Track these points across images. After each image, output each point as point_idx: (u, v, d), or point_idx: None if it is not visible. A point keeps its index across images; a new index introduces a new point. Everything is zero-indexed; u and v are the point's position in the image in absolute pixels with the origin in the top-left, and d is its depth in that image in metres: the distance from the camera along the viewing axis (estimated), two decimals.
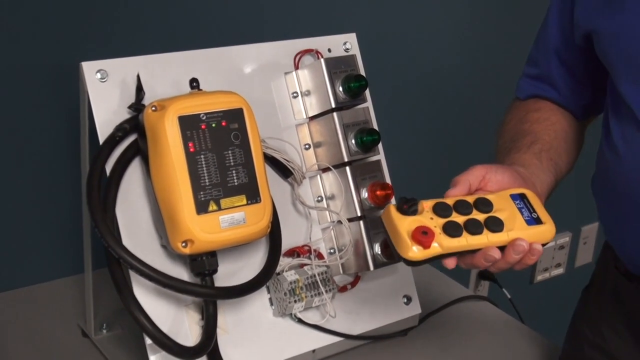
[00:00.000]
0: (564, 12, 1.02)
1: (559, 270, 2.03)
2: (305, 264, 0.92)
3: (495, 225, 0.78)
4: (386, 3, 1.46)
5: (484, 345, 1.08)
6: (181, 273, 0.84)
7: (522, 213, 0.82)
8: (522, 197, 0.85)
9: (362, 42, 1.02)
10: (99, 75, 0.84)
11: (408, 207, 0.76)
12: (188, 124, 0.80)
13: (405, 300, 1.03)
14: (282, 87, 0.97)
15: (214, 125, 0.82)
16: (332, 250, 0.96)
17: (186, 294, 0.82)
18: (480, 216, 0.78)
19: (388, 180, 0.97)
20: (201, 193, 0.80)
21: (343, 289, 0.96)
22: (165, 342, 0.79)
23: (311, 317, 0.94)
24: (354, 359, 0.99)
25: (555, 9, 1.05)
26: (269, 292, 0.92)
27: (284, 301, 0.90)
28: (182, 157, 0.80)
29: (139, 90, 0.85)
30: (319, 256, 0.95)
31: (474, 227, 0.76)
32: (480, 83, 1.66)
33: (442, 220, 0.76)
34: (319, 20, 1.36)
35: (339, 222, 0.95)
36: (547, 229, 0.82)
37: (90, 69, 0.84)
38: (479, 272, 1.73)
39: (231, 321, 0.89)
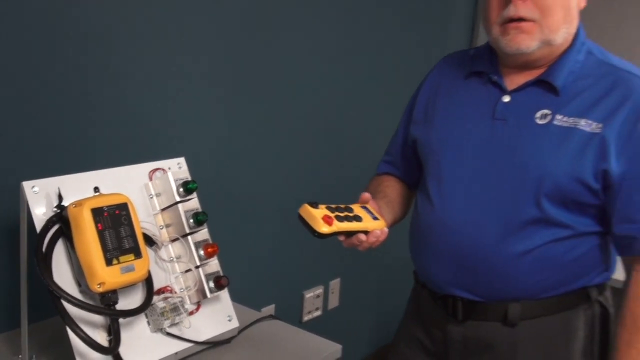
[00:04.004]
0: (407, 125, 1.34)
1: (318, 312, 2.21)
2: (168, 297, 1.20)
3: (358, 219, 1.08)
4: (202, 134, 1.69)
5: (283, 346, 1.30)
6: None
7: (369, 214, 1.11)
8: (366, 207, 1.14)
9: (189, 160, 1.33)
10: (34, 189, 1.08)
11: (316, 205, 1.05)
12: (97, 213, 1.07)
13: (229, 318, 1.30)
14: (144, 192, 1.24)
15: (111, 213, 1.09)
16: (182, 289, 1.26)
17: (105, 315, 1.08)
18: (349, 214, 1.07)
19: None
20: (108, 253, 1.06)
21: (191, 313, 1.24)
22: (92, 343, 1.04)
23: (174, 331, 1.19)
24: (200, 359, 1.23)
25: (403, 123, 1.36)
26: (146, 317, 1.17)
27: (158, 320, 1.16)
28: (95, 233, 1.06)
29: (59, 197, 1.11)
30: (173, 292, 1.24)
31: (348, 219, 1.06)
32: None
33: (333, 213, 1.05)
34: (162, 148, 1.58)
35: (186, 271, 1.25)
36: (382, 223, 1.12)
37: (28, 186, 1.08)
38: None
39: (124, 337, 1.11)
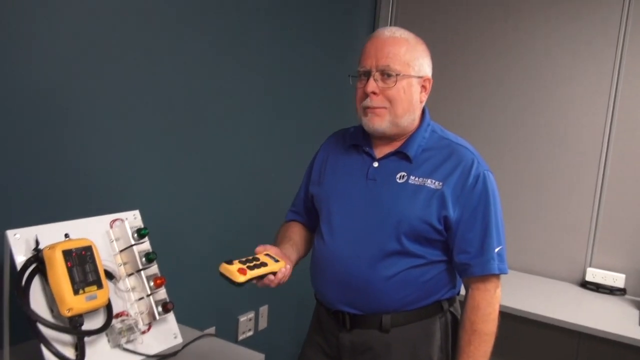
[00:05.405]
0: (307, 184, 1.43)
1: (251, 332, 2.24)
2: (125, 319, 1.29)
3: (264, 264, 1.15)
4: (154, 192, 1.73)
5: (219, 357, 1.36)
6: None
7: (271, 259, 1.18)
8: (268, 254, 1.19)
9: (144, 212, 1.43)
10: (16, 236, 1.17)
11: (230, 262, 1.12)
12: (66, 254, 1.17)
13: (174, 336, 1.39)
14: (106, 237, 1.33)
15: (78, 253, 1.19)
16: (136, 313, 1.34)
17: (73, 334, 1.16)
18: (256, 262, 1.15)
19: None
20: (75, 285, 1.16)
21: (144, 332, 1.33)
22: (63, 357, 1.12)
23: (129, 346, 1.27)
24: None
25: (304, 182, 1.46)
26: (107, 335, 1.25)
27: (117, 338, 1.26)
28: (65, 269, 1.15)
29: (37, 242, 1.20)
30: (129, 315, 1.32)
31: (257, 266, 1.14)
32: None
33: (245, 265, 1.12)
34: (121, 202, 1.61)
35: (139, 299, 1.34)
36: (283, 263, 1.17)
37: (11, 233, 1.17)
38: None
39: (89, 352, 1.19)
